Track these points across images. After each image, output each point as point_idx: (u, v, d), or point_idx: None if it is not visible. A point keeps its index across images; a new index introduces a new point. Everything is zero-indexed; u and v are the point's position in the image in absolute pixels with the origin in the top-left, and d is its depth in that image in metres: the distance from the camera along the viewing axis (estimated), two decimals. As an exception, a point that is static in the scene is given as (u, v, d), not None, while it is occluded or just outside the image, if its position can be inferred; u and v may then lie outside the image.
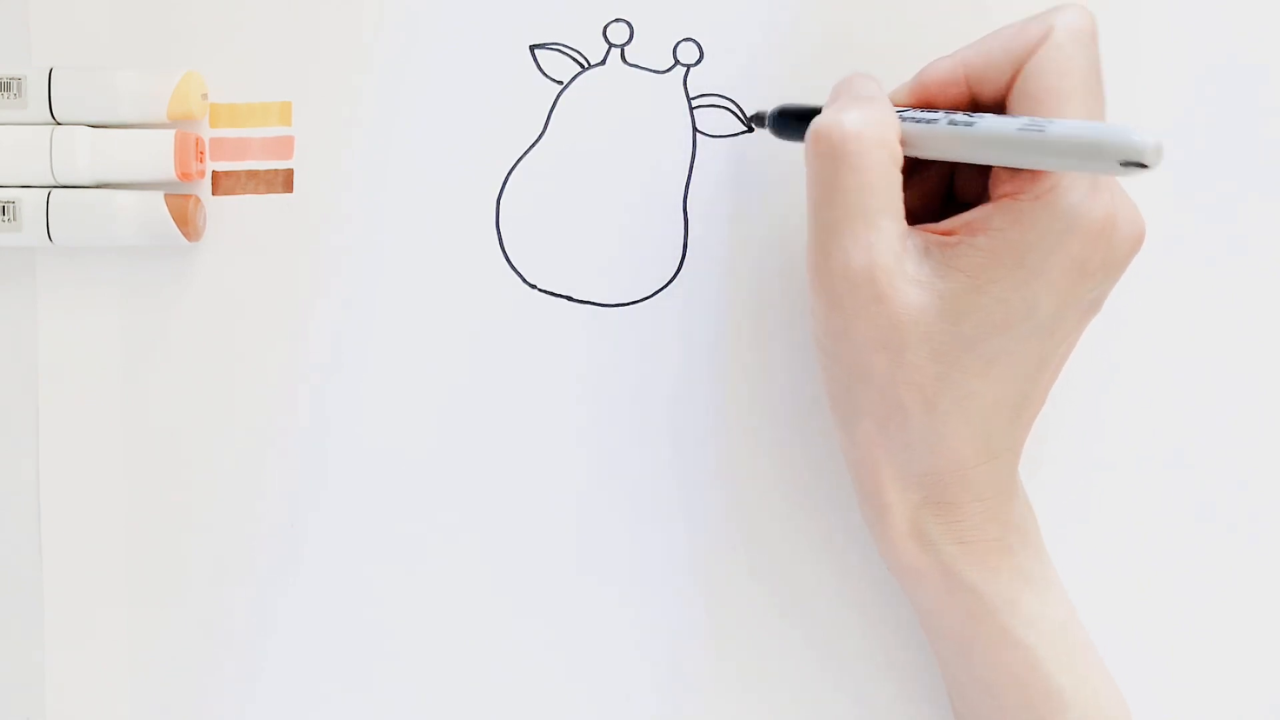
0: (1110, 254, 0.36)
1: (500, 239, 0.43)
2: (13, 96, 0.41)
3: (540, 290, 0.43)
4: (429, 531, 0.43)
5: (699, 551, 0.43)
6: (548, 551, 0.43)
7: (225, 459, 0.43)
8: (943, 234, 0.36)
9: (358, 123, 0.42)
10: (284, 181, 0.43)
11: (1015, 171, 0.36)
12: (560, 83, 0.43)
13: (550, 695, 0.43)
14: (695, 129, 0.43)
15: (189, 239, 0.41)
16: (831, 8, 0.43)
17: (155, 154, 0.41)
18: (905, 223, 0.36)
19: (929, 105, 0.38)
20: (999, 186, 0.36)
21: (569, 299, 0.43)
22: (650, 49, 0.43)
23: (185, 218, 0.41)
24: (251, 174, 0.43)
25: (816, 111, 0.38)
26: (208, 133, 0.42)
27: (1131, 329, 0.44)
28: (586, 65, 0.43)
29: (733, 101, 0.43)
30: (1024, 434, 0.38)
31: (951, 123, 0.36)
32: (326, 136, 0.42)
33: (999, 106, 0.37)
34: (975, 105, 0.38)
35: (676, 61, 0.43)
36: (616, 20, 0.43)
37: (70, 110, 0.41)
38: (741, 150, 0.43)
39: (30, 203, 0.41)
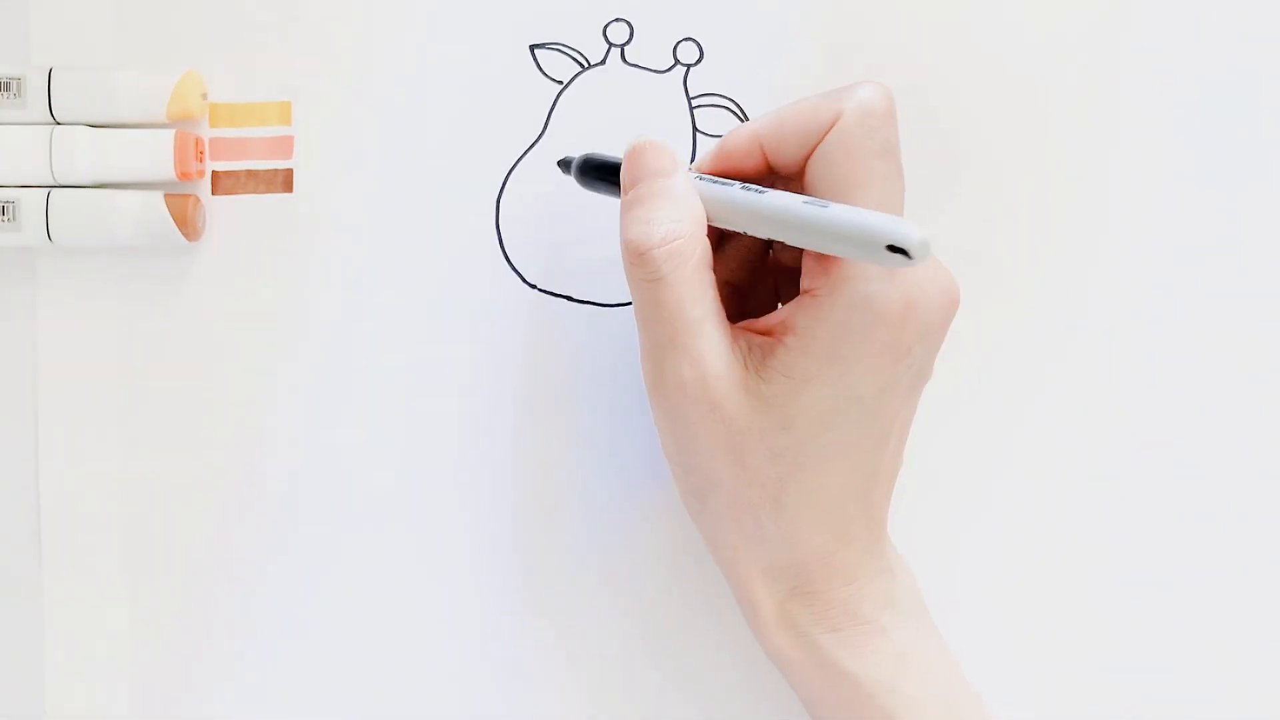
0: (922, 329, 0.36)
1: (500, 239, 0.43)
2: (12, 96, 0.41)
3: (540, 290, 0.43)
4: (429, 530, 0.43)
5: (699, 547, 0.43)
6: (546, 549, 0.43)
7: (224, 458, 0.43)
8: (762, 332, 0.37)
9: (357, 123, 0.42)
10: (284, 181, 0.43)
11: (814, 264, 0.36)
12: (560, 82, 0.43)
13: (546, 692, 0.43)
14: (695, 129, 0.43)
15: (189, 239, 0.41)
16: (832, 6, 0.43)
17: (155, 154, 0.41)
18: (726, 324, 0.37)
19: (731, 176, 0.38)
20: (802, 281, 0.36)
21: (569, 299, 0.43)
22: (650, 49, 0.43)
23: (185, 218, 0.41)
24: (251, 174, 0.42)
25: (618, 166, 0.38)
26: (207, 132, 0.42)
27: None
28: (586, 65, 0.43)
29: (733, 101, 0.43)
30: (882, 509, 0.39)
31: (744, 188, 0.36)
32: (326, 136, 0.42)
33: (796, 184, 0.37)
34: (774, 180, 0.38)
35: (676, 61, 0.43)
36: (616, 20, 0.43)
37: (70, 110, 0.41)
38: (742, 150, 0.43)
39: (30, 203, 0.41)
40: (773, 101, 0.42)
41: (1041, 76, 0.44)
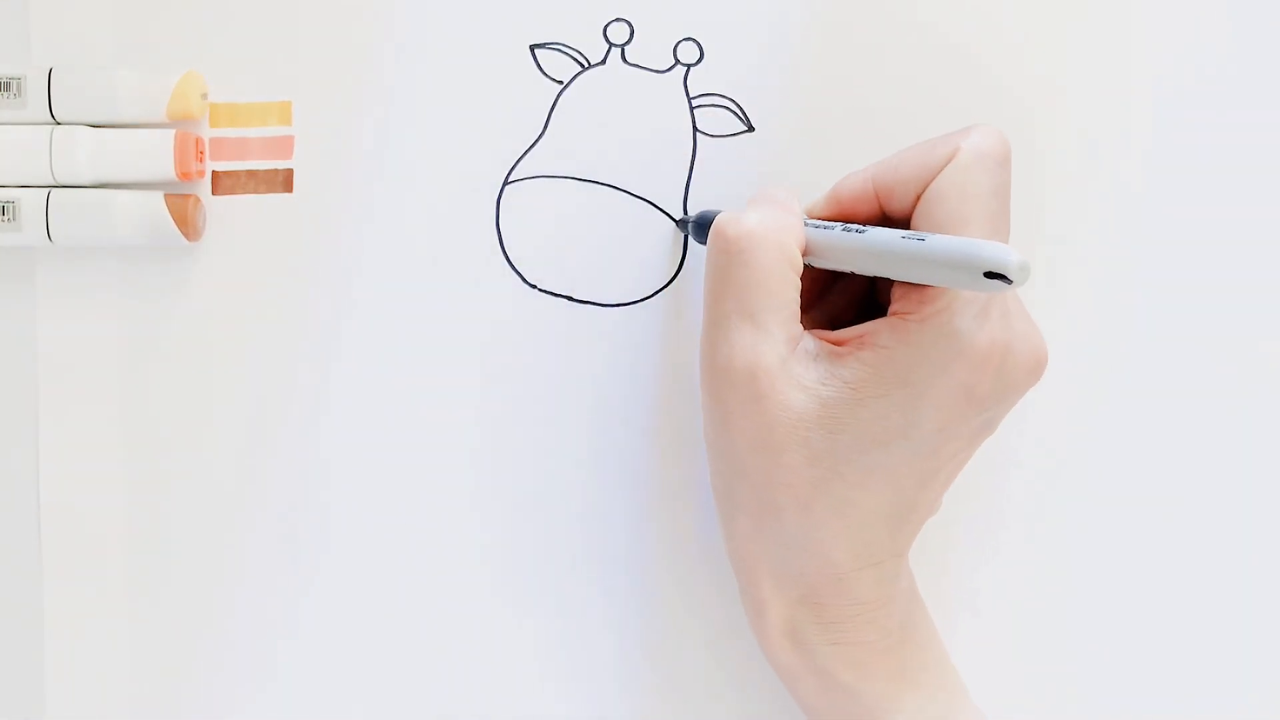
0: (1001, 381, 0.36)
1: (500, 239, 0.43)
2: (12, 96, 0.41)
3: (540, 290, 0.43)
4: (428, 530, 0.43)
5: (699, 549, 0.43)
6: (546, 550, 0.43)
7: (224, 458, 0.43)
8: (836, 343, 0.37)
9: (358, 123, 0.42)
10: (284, 181, 0.43)
11: (909, 290, 0.36)
12: (560, 82, 0.43)
13: (547, 693, 0.43)
14: (695, 129, 0.43)
15: (189, 239, 0.41)
16: (832, 7, 0.43)
17: (155, 154, 0.41)
18: (798, 326, 0.37)
19: (843, 219, 0.38)
20: (893, 304, 0.36)
21: (569, 299, 0.43)
22: (650, 49, 0.43)
23: (185, 218, 0.41)
24: (251, 174, 0.42)
25: None
26: (207, 132, 0.42)
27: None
28: (587, 65, 0.43)
29: (733, 101, 0.43)
30: (909, 541, 0.38)
31: (845, 229, 0.36)
32: (326, 136, 0.42)
33: (907, 225, 0.37)
34: (886, 222, 0.38)
35: (677, 61, 0.43)
36: (617, 20, 0.43)
37: (70, 110, 0.41)
38: (742, 150, 0.43)
39: (30, 203, 0.41)
40: (773, 101, 0.42)
41: (1039, 77, 0.44)
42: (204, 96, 0.42)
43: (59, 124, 0.41)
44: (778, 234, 0.36)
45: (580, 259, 0.43)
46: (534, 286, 0.43)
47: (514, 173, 0.43)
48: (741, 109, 0.43)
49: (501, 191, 0.43)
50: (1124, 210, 0.44)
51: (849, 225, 0.36)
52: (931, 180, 0.36)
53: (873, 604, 0.38)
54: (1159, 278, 0.44)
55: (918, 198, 0.36)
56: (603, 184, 0.43)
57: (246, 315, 0.42)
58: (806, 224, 0.37)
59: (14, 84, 0.41)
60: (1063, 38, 0.44)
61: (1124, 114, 0.44)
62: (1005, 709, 0.43)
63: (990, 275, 0.32)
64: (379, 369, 0.43)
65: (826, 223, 0.37)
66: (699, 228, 0.41)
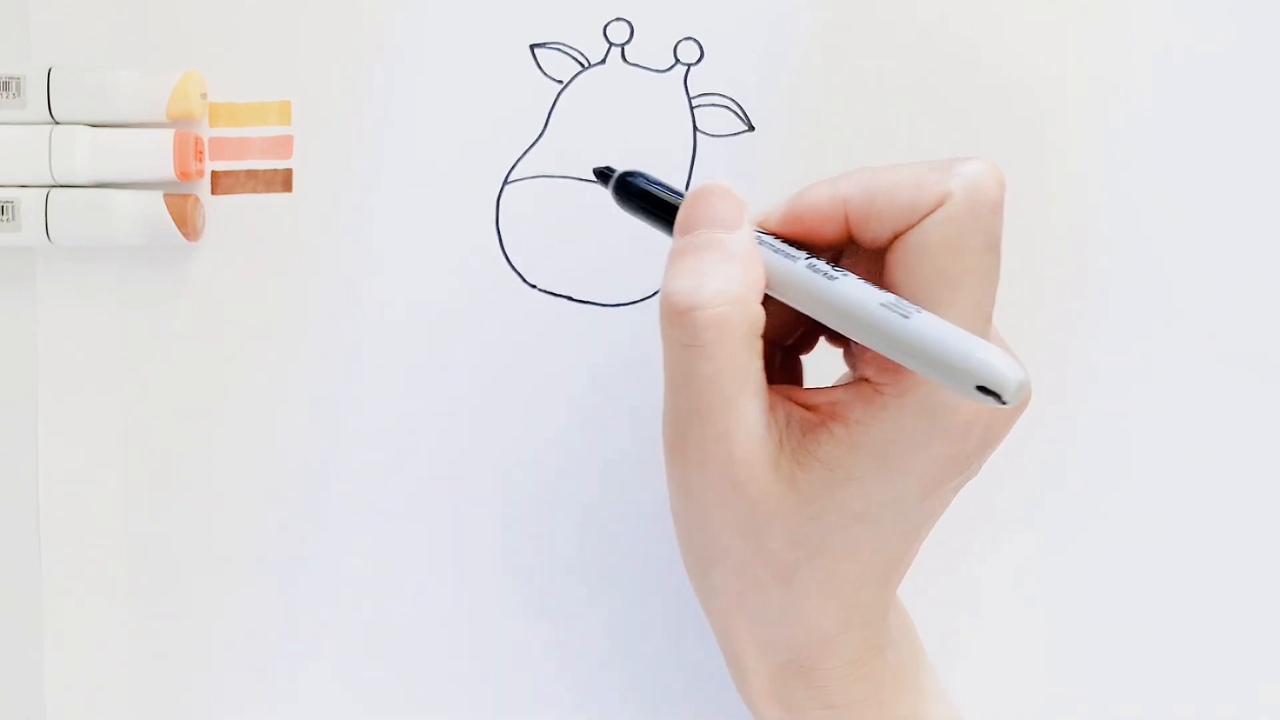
0: (985, 439, 0.33)
1: (500, 239, 0.43)
2: (11, 96, 0.41)
3: (540, 290, 0.43)
4: (428, 530, 0.43)
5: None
6: (546, 550, 0.43)
7: (224, 458, 0.43)
8: (806, 407, 0.33)
9: (358, 123, 0.42)
10: (283, 181, 0.43)
11: (883, 357, 0.32)
12: (560, 82, 0.43)
13: (547, 695, 0.43)
14: (696, 128, 0.43)
15: (188, 239, 0.41)
16: (833, 6, 0.43)
17: (154, 153, 0.41)
18: (765, 394, 0.33)
19: (805, 238, 0.33)
20: (863, 367, 0.33)
21: (569, 299, 0.43)
22: (651, 48, 0.43)
23: (184, 217, 0.41)
24: (251, 174, 0.42)
25: (670, 205, 0.34)
26: (207, 132, 0.42)
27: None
28: (587, 64, 0.43)
29: (734, 101, 0.43)
30: (894, 591, 0.36)
31: (810, 267, 0.32)
32: (326, 136, 0.42)
33: (878, 259, 0.33)
34: (853, 248, 0.34)
35: (677, 60, 0.43)
36: (617, 19, 0.43)
37: (69, 110, 0.41)
38: (742, 150, 0.43)
39: (29, 202, 0.41)
40: (773, 101, 0.42)
41: (1041, 77, 0.44)
42: (204, 96, 0.42)
43: (58, 124, 0.41)
44: (741, 310, 0.31)
45: (580, 259, 0.43)
46: (534, 286, 0.43)
47: (514, 173, 0.43)
48: (741, 109, 0.43)
49: (501, 191, 0.43)
50: (1125, 208, 0.44)
51: (814, 260, 0.32)
52: (915, 223, 0.32)
53: (861, 660, 0.35)
54: (1163, 274, 0.44)
55: (896, 236, 0.32)
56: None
57: (246, 315, 0.42)
58: (762, 242, 0.33)
59: (14, 84, 0.41)
60: (1065, 38, 0.44)
61: (1128, 113, 0.44)
62: (1004, 710, 0.43)
63: (982, 389, 0.28)
64: (378, 368, 0.43)
65: (790, 249, 0.33)
66: (631, 194, 0.36)
